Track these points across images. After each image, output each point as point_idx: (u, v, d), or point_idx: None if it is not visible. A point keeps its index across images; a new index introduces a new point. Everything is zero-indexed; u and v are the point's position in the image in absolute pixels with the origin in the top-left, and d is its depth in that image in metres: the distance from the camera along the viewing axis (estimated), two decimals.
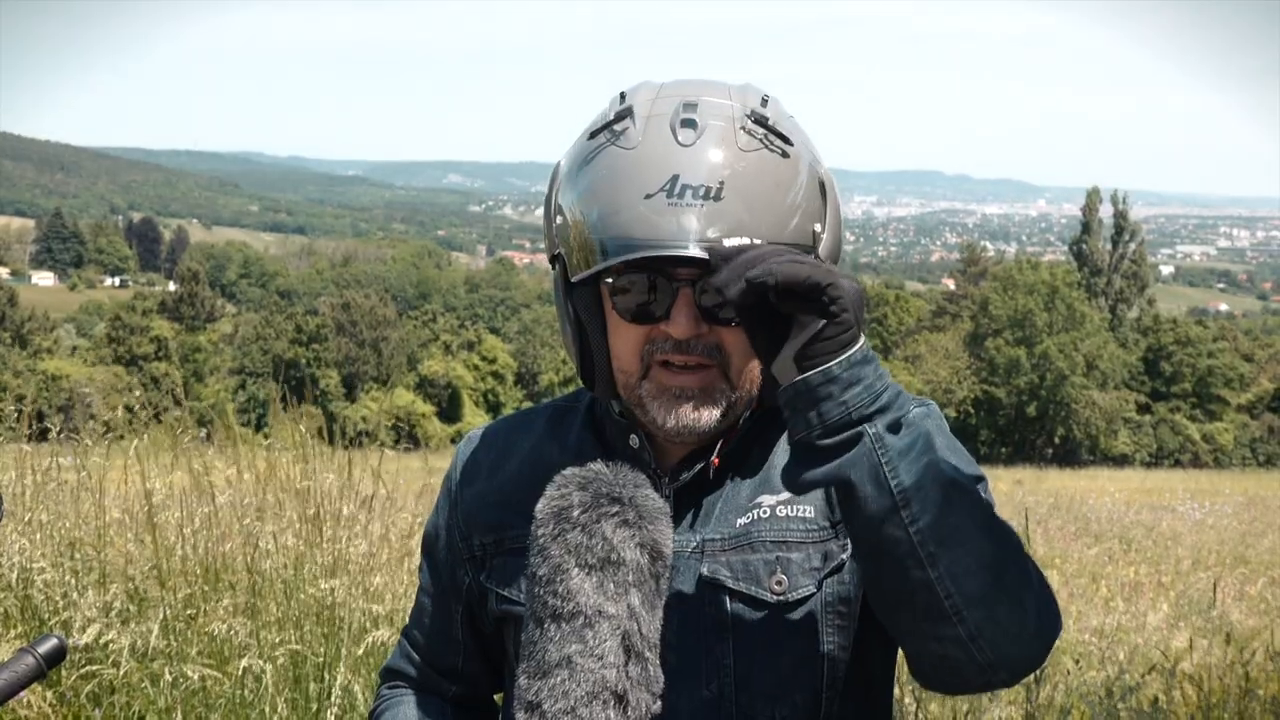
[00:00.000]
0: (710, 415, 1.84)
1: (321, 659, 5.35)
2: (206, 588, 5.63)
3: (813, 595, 1.87)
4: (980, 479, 1.86)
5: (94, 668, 5.08)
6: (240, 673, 5.11)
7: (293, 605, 5.62)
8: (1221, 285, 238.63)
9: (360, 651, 5.34)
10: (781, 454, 1.90)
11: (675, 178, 1.75)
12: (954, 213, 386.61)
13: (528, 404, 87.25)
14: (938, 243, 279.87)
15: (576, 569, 1.72)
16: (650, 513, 1.76)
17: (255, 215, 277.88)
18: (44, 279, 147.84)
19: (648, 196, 1.75)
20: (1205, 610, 10.39)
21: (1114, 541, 16.52)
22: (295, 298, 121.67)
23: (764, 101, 1.85)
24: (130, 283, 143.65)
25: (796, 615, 1.87)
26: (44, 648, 1.86)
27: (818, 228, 1.83)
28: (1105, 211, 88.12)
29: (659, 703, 1.75)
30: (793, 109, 1.93)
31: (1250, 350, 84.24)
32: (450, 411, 78.85)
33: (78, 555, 5.80)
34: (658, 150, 1.78)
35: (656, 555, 1.75)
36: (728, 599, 1.88)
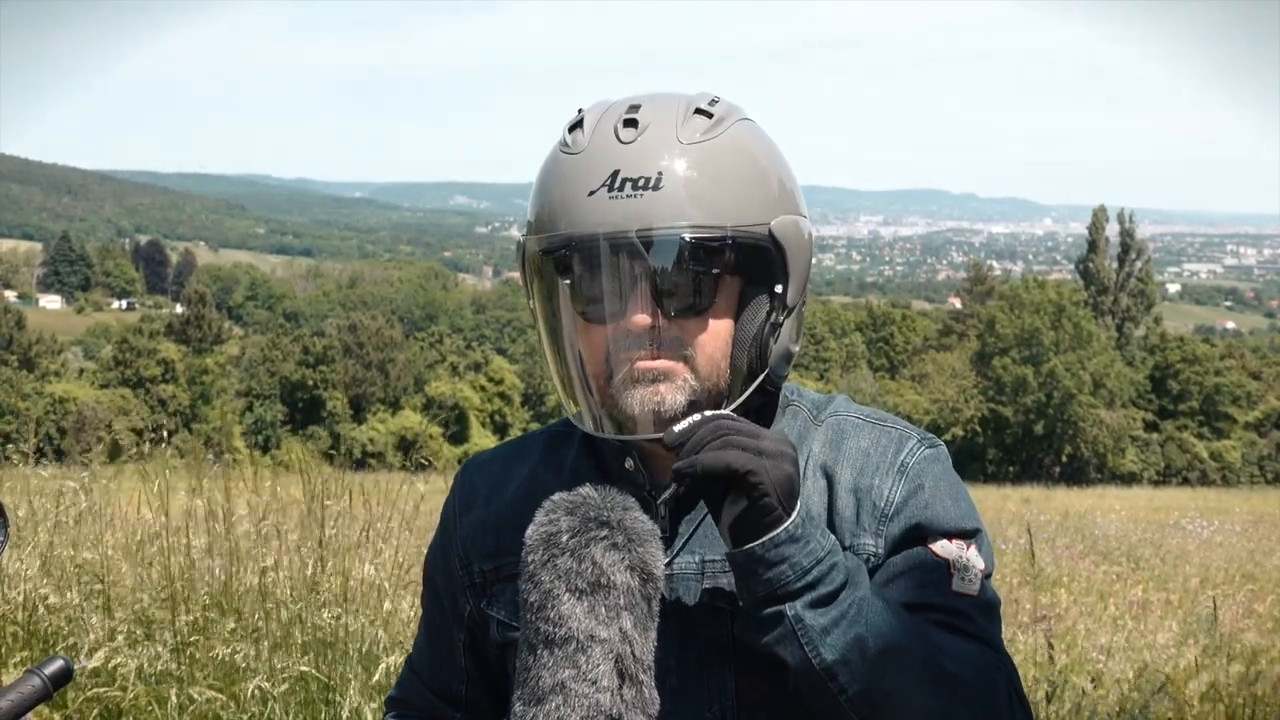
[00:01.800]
0: (675, 398, 1.82)
1: (330, 682, 5.35)
2: (213, 614, 5.63)
3: None
4: (976, 531, 1.90)
5: (101, 690, 5.08)
6: (248, 695, 5.11)
7: (302, 629, 5.62)
8: (1228, 303, 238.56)
9: (377, 677, 5.34)
10: None
11: (616, 173, 1.78)
12: (960, 232, 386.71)
13: (535, 425, 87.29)
14: (944, 262, 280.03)
15: (567, 594, 1.72)
16: (639, 535, 1.75)
17: (262, 237, 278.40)
18: (51, 302, 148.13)
19: (590, 193, 1.79)
20: (1213, 628, 10.37)
21: (1122, 560, 16.48)
22: (302, 320, 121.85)
23: (712, 102, 1.87)
24: (137, 305, 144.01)
25: None
26: (50, 669, 1.86)
27: (764, 214, 1.84)
28: (1111, 230, 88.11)
29: None
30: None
31: (1257, 368, 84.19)
32: (458, 433, 78.85)
33: (85, 580, 5.80)
34: (601, 151, 1.81)
35: (647, 577, 1.75)
36: (729, 622, 1.86)
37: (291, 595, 5.85)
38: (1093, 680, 6.94)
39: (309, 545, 6.16)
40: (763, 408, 1.96)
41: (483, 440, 78.08)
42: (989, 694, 1.79)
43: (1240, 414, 76.92)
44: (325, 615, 5.63)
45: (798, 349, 1.95)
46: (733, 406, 1.87)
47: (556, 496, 1.81)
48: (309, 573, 5.97)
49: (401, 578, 6.54)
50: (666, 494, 1.80)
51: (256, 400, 77.27)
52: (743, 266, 1.83)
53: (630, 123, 1.81)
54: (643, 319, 1.80)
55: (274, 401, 77.28)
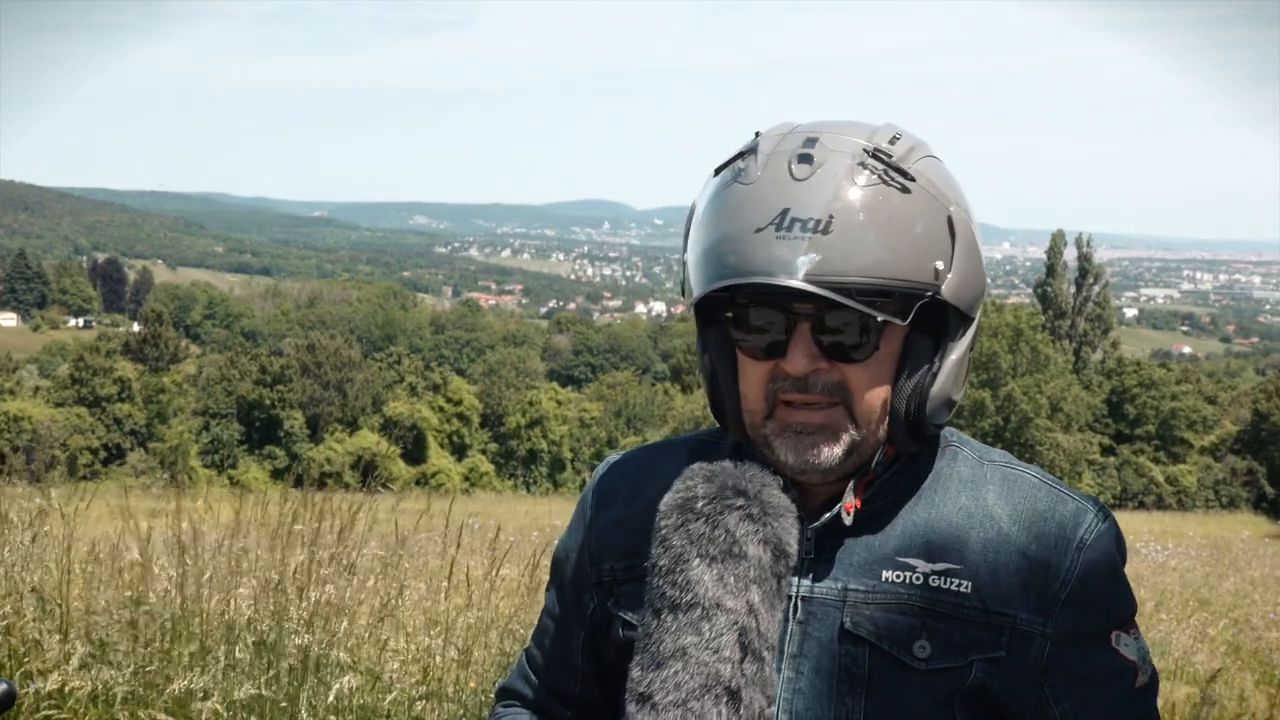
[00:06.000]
0: (832, 452, 1.79)
1: (285, 705, 5.33)
2: (169, 641, 5.60)
3: (954, 670, 1.81)
4: (1131, 616, 1.89)
5: (51, 713, 5.04)
6: (201, 718, 5.08)
7: (258, 651, 5.60)
8: (1185, 328, 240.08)
9: (330, 699, 5.31)
10: (925, 507, 1.88)
11: (785, 211, 1.71)
12: None
13: (494, 446, 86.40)
14: None
15: (697, 559, 1.71)
16: (776, 509, 1.75)
17: (220, 256, 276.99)
18: (7, 319, 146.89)
19: (758, 230, 1.72)
20: (1166, 653, 10.41)
21: None
22: (260, 339, 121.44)
23: (893, 140, 1.80)
24: (94, 323, 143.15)
25: (935, 687, 1.80)
26: None
27: (940, 265, 1.76)
28: (1070, 255, 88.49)
29: (772, 707, 1.73)
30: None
31: (1213, 393, 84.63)
32: (415, 453, 78.59)
33: (40, 602, 5.76)
34: (772, 185, 1.74)
35: (780, 553, 1.74)
36: (868, 654, 1.82)
37: (250, 617, 5.82)
38: None
39: (270, 567, 6.13)
40: (920, 454, 1.91)
41: (440, 461, 77.89)
42: None
43: (1196, 438, 77.27)
44: (286, 638, 5.60)
45: (959, 396, 1.88)
46: (890, 455, 1.86)
47: (696, 465, 1.81)
48: (269, 596, 5.94)
49: (369, 596, 6.51)
50: (820, 521, 1.81)
51: (213, 419, 76.85)
52: (910, 315, 1.77)
53: (805, 158, 1.75)
54: (802, 362, 1.76)
55: (231, 421, 76.88)
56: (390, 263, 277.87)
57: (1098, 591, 1.83)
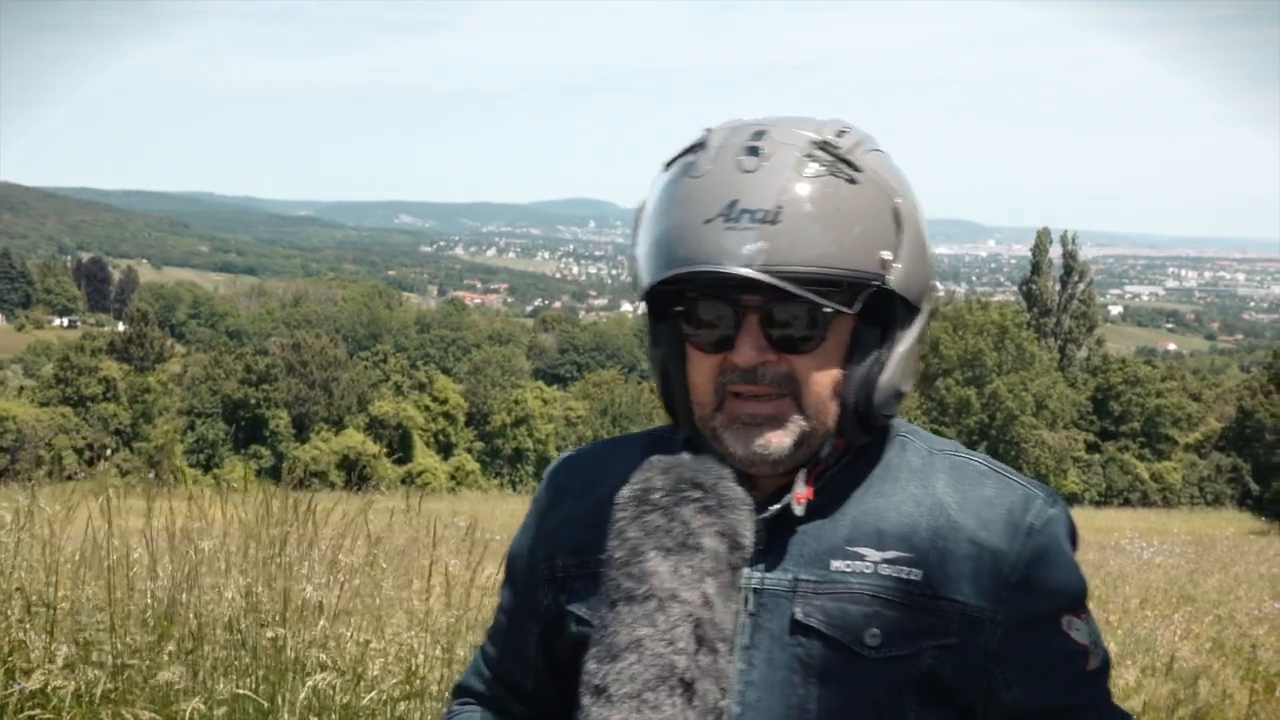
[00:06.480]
0: (781, 442, 1.80)
1: (266, 704, 5.32)
2: (152, 638, 5.59)
3: (905, 657, 1.81)
4: (1081, 600, 1.90)
5: (35, 713, 5.04)
6: (184, 716, 5.08)
7: (239, 651, 5.59)
8: (1170, 325, 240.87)
9: (311, 698, 5.31)
10: (874, 496, 1.88)
11: (734, 202, 1.72)
12: None
13: (479, 444, 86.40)
14: None
15: (654, 551, 1.71)
16: (732, 501, 1.75)
17: (205, 255, 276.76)
18: None
19: (706, 221, 1.73)
20: (1152, 649, 10.44)
21: None
22: (245, 338, 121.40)
23: (840, 133, 1.82)
24: (79, 323, 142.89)
25: (887, 675, 1.81)
26: None
27: (886, 255, 1.78)
28: (1055, 252, 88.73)
29: (727, 699, 1.74)
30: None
31: (1198, 390, 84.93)
32: (401, 452, 78.56)
33: (22, 601, 5.75)
34: (721, 177, 1.75)
35: (735, 545, 1.74)
36: (820, 644, 1.82)
37: (232, 616, 5.82)
38: None
39: (252, 565, 6.12)
40: (870, 445, 1.91)
41: (425, 460, 77.88)
42: None
43: (1181, 435, 77.50)
44: (265, 635, 5.60)
45: (909, 388, 1.89)
46: (840, 447, 1.86)
47: (653, 458, 1.82)
48: (252, 594, 5.94)
49: (343, 594, 6.51)
50: (769, 512, 1.81)
51: (199, 419, 76.80)
52: (858, 304, 1.79)
53: (754, 150, 1.76)
54: (750, 354, 1.77)
55: (216, 420, 76.79)
56: (376, 262, 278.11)
57: (1047, 576, 1.84)
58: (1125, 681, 8.72)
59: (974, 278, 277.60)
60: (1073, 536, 1.90)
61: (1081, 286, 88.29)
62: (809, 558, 1.84)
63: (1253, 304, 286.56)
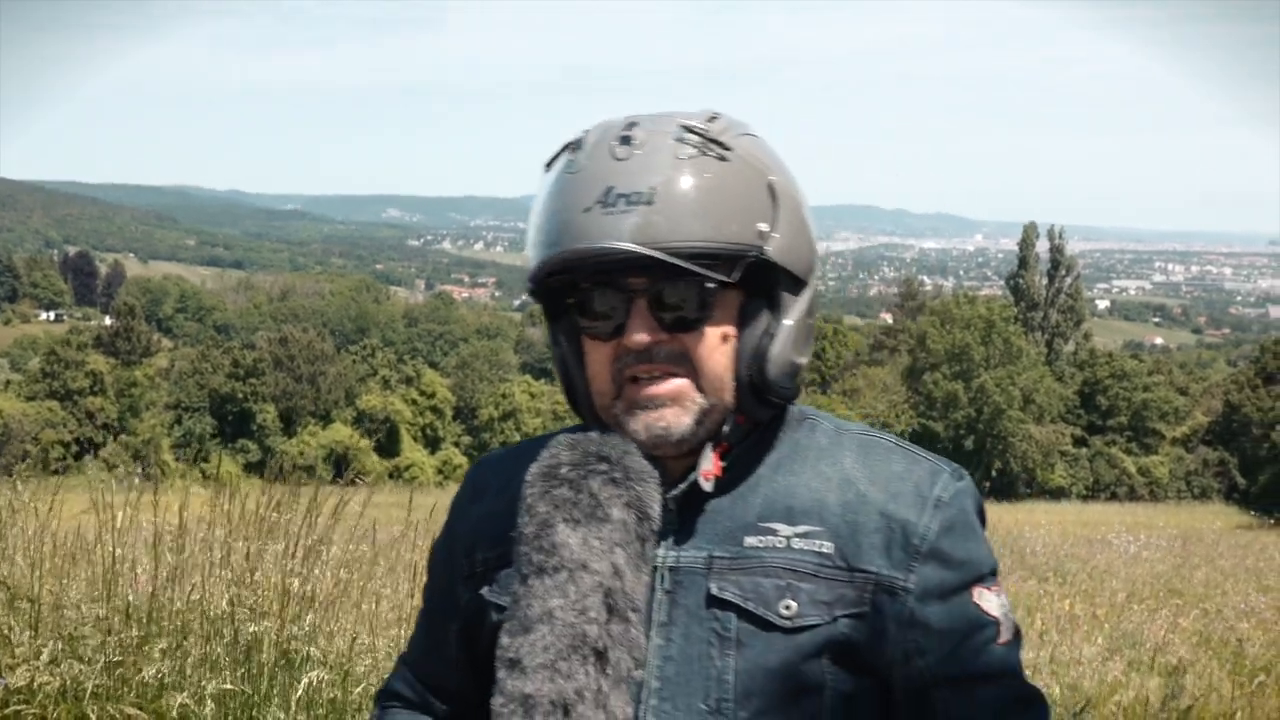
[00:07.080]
0: (681, 421, 1.83)
1: (254, 699, 5.31)
2: (139, 633, 5.57)
3: (820, 626, 1.84)
4: (991, 573, 1.92)
5: (20, 708, 5.02)
6: (172, 712, 5.07)
7: (225, 645, 5.58)
8: (1157, 319, 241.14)
9: (299, 693, 5.30)
10: (785, 475, 1.91)
11: (610, 189, 1.78)
12: (892, 247, 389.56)
13: (466, 439, 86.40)
14: (876, 277, 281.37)
15: (562, 524, 1.74)
16: (638, 474, 1.78)
17: (192, 249, 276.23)
18: None
19: (585, 210, 1.78)
20: (1139, 643, 10.47)
21: (1050, 574, 16.60)
22: (232, 332, 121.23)
23: (711, 119, 1.86)
24: (65, 317, 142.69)
25: (802, 643, 1.84)
26: None
27: (763, 226, 1.82)
28: (1042, 246, 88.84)
29: (640, 669, 1.76)
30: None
31: (1185, 384, 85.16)
32: (388, 446, 78.56)
33: (6, 595, 5.73)
34: (596, 169, 1.81)
35: (643, 516, 1.77)
36: (735, 617, 1.85)
37: (220, 610, 5.80)
38: None
39: (241, 559, 6.11)
40: (775, 425, 1.96)
41: (413, 454, 77.88)
42: None
43: (1168, 429, 77.65)
44: (252, 629, 5.59)
45: (804, 361, 1.93)
46: (743, 425, 1.89)
47: (561, 435, 1.86)
48: (240, 588, 5.92)
49: (331, 592, 6.49)
50: (677, 489, 1.84)
51: (186, 413, 76.76)
52: (742, 280, 1.83)
53: (626, 140, 1.81)
54: (641, 336, 1.81)
55: (203, 414, 76.75)
56: (363, 256, 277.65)
57: (956, 547, 1.87)
58: (1113, 675, 8.74)
59: (961, 272, 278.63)
60: (980, 512, 1.94)
61: (1068, 281, 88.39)
62: (722, 535, 1.88)
63: (1240, 298, 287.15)
